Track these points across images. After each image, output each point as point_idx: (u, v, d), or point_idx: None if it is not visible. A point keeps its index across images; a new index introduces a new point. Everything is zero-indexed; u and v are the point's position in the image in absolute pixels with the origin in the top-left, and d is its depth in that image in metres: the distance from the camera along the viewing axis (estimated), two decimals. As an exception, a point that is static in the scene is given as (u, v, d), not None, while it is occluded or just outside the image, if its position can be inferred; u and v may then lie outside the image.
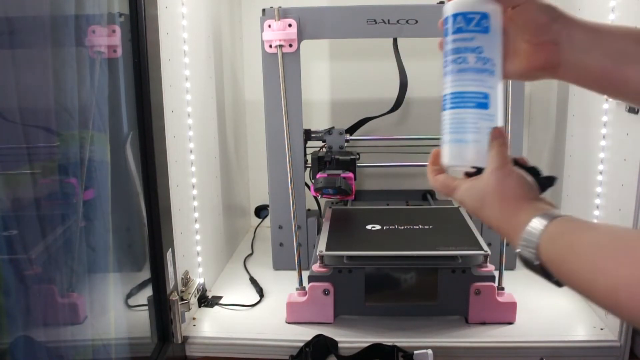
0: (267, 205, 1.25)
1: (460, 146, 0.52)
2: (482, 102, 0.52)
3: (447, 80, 0.54)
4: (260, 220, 1.53)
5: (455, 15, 0.52)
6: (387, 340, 0.90)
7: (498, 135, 0.51)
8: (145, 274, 0.89)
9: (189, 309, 0.96)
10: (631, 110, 0.95)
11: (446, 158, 0.53)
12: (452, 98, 0.53)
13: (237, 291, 1.14)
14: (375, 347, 0.89)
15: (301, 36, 1.12)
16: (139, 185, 0.86)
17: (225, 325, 1.00)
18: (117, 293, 0.82)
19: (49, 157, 0.68)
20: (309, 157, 1.21)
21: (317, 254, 0.99)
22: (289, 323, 0.99)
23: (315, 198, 1.28)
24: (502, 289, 0.98)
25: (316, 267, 0.98)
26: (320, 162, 1.20)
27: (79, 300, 0.71)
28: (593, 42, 0.49)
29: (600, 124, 1.05)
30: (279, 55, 1.11)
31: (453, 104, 0.53)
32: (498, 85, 0.53)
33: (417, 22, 1.10)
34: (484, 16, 0.52)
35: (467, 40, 0.52)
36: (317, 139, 1.23)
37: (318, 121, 1.47)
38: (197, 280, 1.04)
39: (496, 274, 0.98)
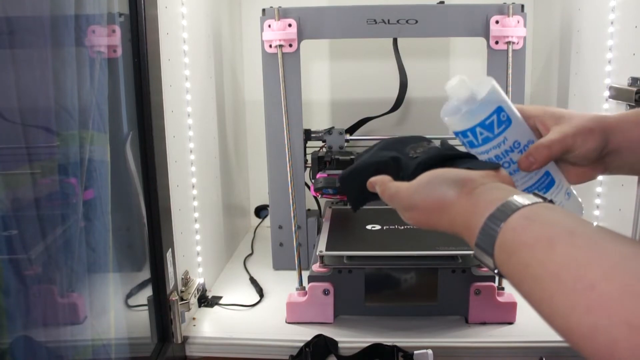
0: (267, 205, 1.25)
1: None
2: (550, 181, 0.52)
3: None
4: (260, 220, 1.53)
5: (473, 129, 0.50)
6: (387, 340, 0.90)
7: (372, 186, 0.55)
8: (145, 274, 0.89)
9: (189, 309, 0.96)
10: (631, 110, 0.95)
11: None
12: None
13: (237, 291, 1.14)
14: (375, 347, 0.89)
15: (301, 36, 1.12)
16: (139, 185, 0.86)
17: (225, 325, 1.00)
18: (117, 293, 0.82)
19: (48, 157, 0.68)
20: (309, 157, 1.22)
21: (317, 254, 0.99)
22: (289, 323, 0.99)
23: (315, 198, 1.28)
24: (502, 289, 0.98)
25: (316, 267, 0.98)
26: (320, 162, 1.20)
27: (79, 300, 0.71)
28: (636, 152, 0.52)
29: (600, 124, 1.05)
30: (279, 55, 1.11)
31: None
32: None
33: (417, 22, 1.10)
34: (500, 111, 0.49)
35: (501, 145, 0.50)
36: (317, 139, 1.23)
37: (318, 121, 1.47)
38: (197, 280, 1.04)
39: (496, 273, 0.98)
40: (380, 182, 0.54)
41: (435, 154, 0.54)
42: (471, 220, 0.43)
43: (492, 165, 0.50)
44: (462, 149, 0.54)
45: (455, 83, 0.50)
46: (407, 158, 0.56)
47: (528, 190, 0.52)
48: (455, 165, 0.52)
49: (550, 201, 0.42)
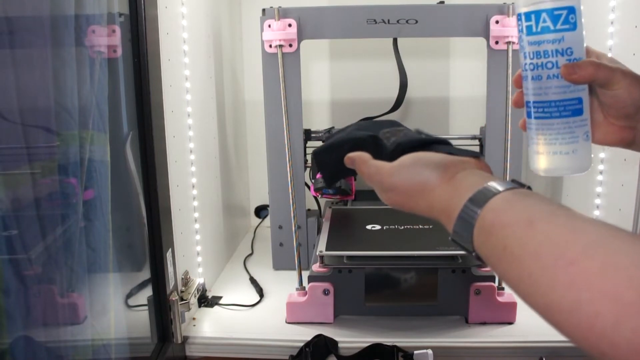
0: (267, 205, 1.25)
1: (561, 158, 0.50)
2: (578, 109, 0.50)
3: (534, 86, 0.50)
4: (260, 220, 1.53)
5: (539, 13, 0.48)
6: (387, 340, 0.90)
7: (350, 161, 0.54)
8: (145, 274, 0.89)
9: (189, 309, 0.96)
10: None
11: (544, 168, 0.51)
12: (546, 107, 0.50)
13: (237, 291, 1.14)
14: (375, 347, 0.89)
15: (301, 36, 1.12)
16: (139, 185, 0.86)
17: (225, 325, 1.00)
18: (117, 293, 0.82)
19: (49, 157, 0.68)
20: (309, 157, 1.21)
21: (317, 254, 0.99)
22: (289, 323, 0.99)
23: (315, 198, 1.28)
24: (502, 288, 0.98)
25: (316, 267, 0.98)
26: (320, 162, 1.20)
27: (79, 300, 0.71)
28: None
29: (600, 124, 1.05)
30: (279, 55, 1.11)
31: (546, 112, 0.50)
32: (587, 86, 0.50)
33: (417, 22, 1.10)
34: (572, 10, 0.47)
35: (555, 42, 0.48)
36: (317, 139, 1.23)
37: (318, 121, 1.47)
38: (197, 280, 1.04)
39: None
40: (360, 159, 0.53)
41: (414, 137, 0.55)
42: (450, 203, 0.44)
43: (472, 153, 0.50)
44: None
45: None
46: (385, 139, 0.56)
47: (556, 103, 0.49)
48: (434, 149, 0.52)
49: (529, 188, 0.42)
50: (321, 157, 0.60)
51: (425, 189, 0.47)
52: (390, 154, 0.52)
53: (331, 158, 0.58)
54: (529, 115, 0.52)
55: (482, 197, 0.41)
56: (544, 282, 0.34)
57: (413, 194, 0.48)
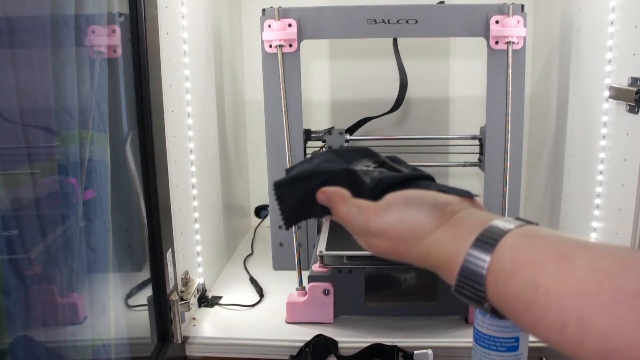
0: (267, 205, 1.25)
1: None
2: (514, 346, 0.73)
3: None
4: (260, 220, 1.53)
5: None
6: (387, 340, 0.90)
7: (325, 197, 0.46)
8: (145, 274, 0.89)
9: (189, 309, 0.96)
10: (631, 110, 0.95)
11: None
12: (486, 339, 0.74)
13: (237, 291, 1.14)
14: (375, 347, 0.89)
15: (301, 36, 1.12)
16: (139, 185, 0.86)
17: (225, 325, 1.00)
18: (117, 293, 0.82)
19: (48, 157, 0.68)
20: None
21: (317, 254, 0.99)
22: (289, 323, 0.99)
23: (315, 198, 1.28)
24: (502, 289, 0.98)
25: (316, 267, 0.98)
26: (320, 162, 1.19)
27: (79, 300, 0.71)
28: None
29: (600, 124, 1.05)
30: (279, 55, 1.11)
31: (486, 343, 0.74)
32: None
33: (417, 22, 1.10)
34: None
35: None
36: (317, 139, 1.23)
37: (318, 121, 1.47)
38: (197, 280, 1.04)
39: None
40: (339, 196, 0.45)
41: (395, 174, 0.47)
42: (452, 247, 0.37)
43: (466, 193, 0.43)
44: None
45: None
46: (362, 174, 0.48)
47: (495, 339, 0.71)
48: (420, 186, 0.45)
49: (536, 224, 0.38)
50: (283, 190, 0.50)
51: (420, 234, 0.40)
52: (370, 192, 0.45)
53: (295, 193, 0.49)
54: (475, 339, 0.74)
55: (492, 236, 0.35)
56: (602, 322, 0.28)
57: (406, 239, 0.41)
